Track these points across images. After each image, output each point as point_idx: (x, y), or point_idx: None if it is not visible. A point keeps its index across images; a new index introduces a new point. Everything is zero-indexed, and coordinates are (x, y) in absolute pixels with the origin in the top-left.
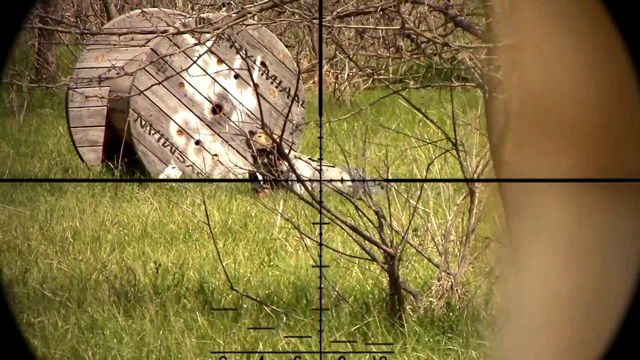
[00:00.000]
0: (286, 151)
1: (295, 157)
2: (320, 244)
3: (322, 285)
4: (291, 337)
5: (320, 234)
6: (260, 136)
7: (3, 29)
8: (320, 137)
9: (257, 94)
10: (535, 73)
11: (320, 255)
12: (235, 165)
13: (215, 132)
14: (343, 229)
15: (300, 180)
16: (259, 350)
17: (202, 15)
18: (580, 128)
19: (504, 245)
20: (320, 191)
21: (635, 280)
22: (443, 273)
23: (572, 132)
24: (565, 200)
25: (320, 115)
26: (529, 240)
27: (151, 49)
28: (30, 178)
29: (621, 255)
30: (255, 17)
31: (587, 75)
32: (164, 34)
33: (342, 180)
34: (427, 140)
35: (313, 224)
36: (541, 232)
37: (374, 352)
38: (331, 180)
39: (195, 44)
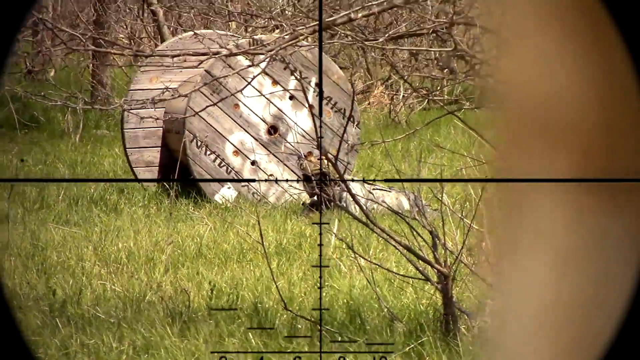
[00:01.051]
0: (341, 171)
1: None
2: (320, 244)
3: (379, 306)
4: (291, 337)
5: (320, 234)
6: (311, 159)
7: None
8: (320, 137)
9: (312, 114)
10: (531, 77)
11: (320, 255)
12: (290, 186)
13: (270, 152)
14: (397, 248)
15: (355, 199)
16: (259, 350)
17: (255, 36)
18: (578, 130)
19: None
20: (321, 191)
21: (635, 281)
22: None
23: (570, 133)
24: (564, 202)
25: (320, 115)
26: (528, 242)
27: (205, 70)
28: (86, 201)
29: (620, 257)
30: (309, 39)
31: (583, 78)
32: (217, 55)
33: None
34: (482, 160)
35: (313, 223)
36: (540, 234)
37: (374, 352)
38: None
39: (249, 66)
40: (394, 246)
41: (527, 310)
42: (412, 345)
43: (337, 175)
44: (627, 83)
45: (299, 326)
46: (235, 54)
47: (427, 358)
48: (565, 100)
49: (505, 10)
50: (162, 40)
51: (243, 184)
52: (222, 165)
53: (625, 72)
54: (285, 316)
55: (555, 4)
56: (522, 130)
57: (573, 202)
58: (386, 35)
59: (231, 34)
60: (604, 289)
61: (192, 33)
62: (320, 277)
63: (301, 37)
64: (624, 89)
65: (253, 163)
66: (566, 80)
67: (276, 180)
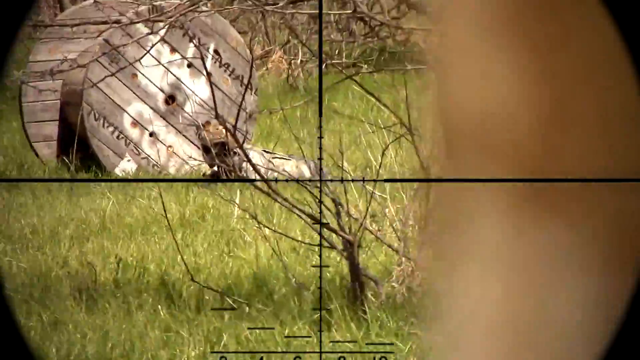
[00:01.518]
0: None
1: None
2: (320, 245)
3: (282, 275)
4: (291, 337)
5: (320, 234)
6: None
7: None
8: (320, 137)
9: (211, 83)
10: (467, 87)
11: (320, 256)
12: (190, 157)
13: (169, 123)
14: (301, 217)
15: (255, 169)
16: (259, 350)
17: (155, 3)
18: (516, 141)
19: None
20: (320, 191)
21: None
22: (403, 258)
23: (508, 145)
24: (502, 217)
25: (320, 115)
26: (464, 262)
27: (104, 39)
28: None
29: (568, 273)
30: (209, 4)
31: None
32: (117, 24)
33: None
34: (381, 126)
35: (314, 223)
36: (475, 252)
37: (374, 352)
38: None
39: (149, 34)
40: (298, 215)
41: (465, 338)
42: (319, 314)
43: (237, 145)
44: (567, 88)
45: (207, 297)
46: (135, 22)
47: (335, 326)
48: (501, 113)
49: (443, 29)
50: (62, 9)
51: (142, 156)
52: (120, 137)
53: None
54: (192, 287)
55: (490, 19)
56: (456, 147)
57: (510, 218)
58: None
59: (131, 1)
60: (552, 310)
61: (93, 1)
62: (320, 277)
63: (201, 3)
64: (562, 92)
65: (151, 134)
66: (502, 92)
67: (224, 167)
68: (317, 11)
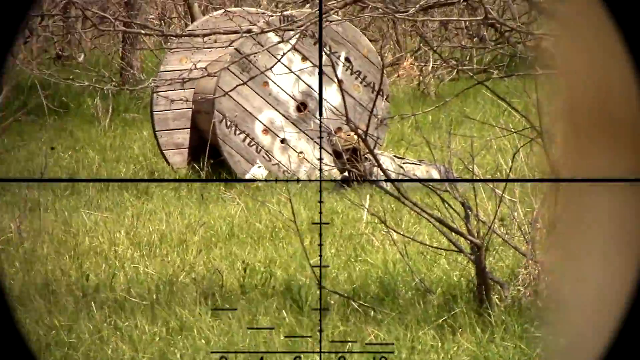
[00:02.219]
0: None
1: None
2: (320, 245)
3: (409, 278)
4: (290, 337)
5: (320, 234)
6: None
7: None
8: (320, 137)
9: (342, 90)
10: (586, 77)
11: (320, 255)
12: (321, 161)
13: (300, 129)
14: (429, 221)
15: (386, 174)
16: (260, 351)
17: (285, 12)
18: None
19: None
20: (320, 190)
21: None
22: (530, 261)
23: (629, 133)
24: (623, 201)
25: (321, 114)
26: (585, 241)
27: (235, 48)
28: (116, 186)
29: None
30: (339, 13)
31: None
32: (248, 34)
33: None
34: (512, 130)
35: (314, 223)
36: (596, 232)
37: (374, 352)
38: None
39: (279, 42)
40: (426, 219)
41: (584, 294)
42: (445, 317)
43: (368, 150)
44: None
45: (332, 302)
46: (267, 31)
47: (460, 330)
48: (620, 101)
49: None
50: (193, 20)
51: (273, 162)
52: (251, 144)
53: None
54: (318, 293)
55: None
56: (578, 133)
57: (632, 202)
58: (417, 6)
59: (262, 11)
60: None
61: (223, 11)
62: (320, 276)
63: (332, 12)
64: None
65: (283, 141)
66: (617, 81)
67: (354, 172)
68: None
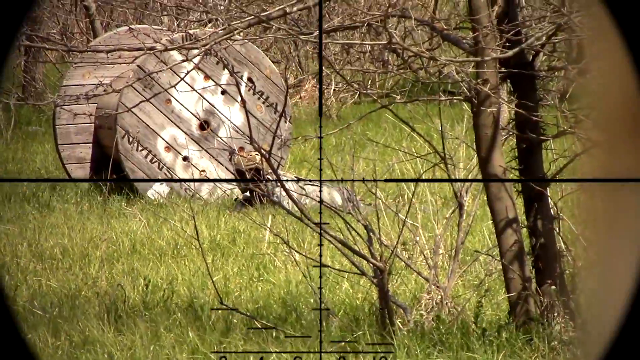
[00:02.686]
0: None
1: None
2: (320, 244)
3: (314, 300)
4: (291, 336)
5: (320, 234)
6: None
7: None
8: (320, 137)
9: (246, 110)
10: (618, 82)
11: (320, 255)
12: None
13: (203, 148)
14: (332, 243)
15: (289, 194)
16: (258, 351)
17: (189, 31)
18: None
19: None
20: (320, 191)
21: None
22: (433, 286)
23: None
24: None
25: (321, 114)
26: (615, 244)
27: (138, 65)
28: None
29: None
30: (242, 33)
31: None
32: (151, 51)
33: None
34: (416, 154)
35: (315, 223)
36: (625, 235)
37: (374, 352)
38: (332, 181)
39: (183, 61)
40: (329, 240)
41: (615, 289)
42: (348, 340)
43: (271, 170)
44: None
45: (235, 321)
46: (170, 49)
47: (362, 353)
48: None
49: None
50: (95, 36)
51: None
52: (154, 161)
53: None
54: (220, 311)
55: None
56: (614, 133)
57: None
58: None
59: (166, 28)
60: None
61: (127, 28)
62: (320, 276)
63: (236, 32)
64: None
65: (185, 159)
66: None
67: (257, 192)
68: (351, 42)
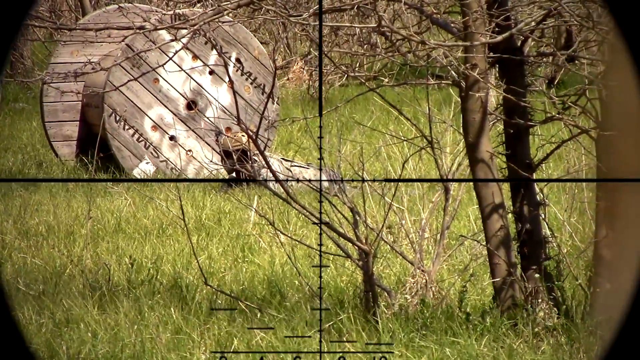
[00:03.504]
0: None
1: (268, 155)
2: (320, 244)
3: (298, 282)
4: (291, 336)
5: (320, 234)
6: (233, 135)
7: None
8: (320, 137)
9: (233, 91)
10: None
11: (320, 255)
12: (210, 161)
13: (189, 127)
14: (317, 225)
15: (276, 177)
16: (258, 351)
17: (178, 11)
18: None
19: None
20: (321, 190)
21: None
22: (417, 270)
23: None
24: None
25: (321, 115)
26: (628, 232)
27: (126, 44)
28: (4, 175)
29: None
30: (231, 14)
31: None
32: (140, 30)
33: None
34: (402, 138)
35: (313, 223)
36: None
37: (374, 352)
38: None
39: (171, 40)
40: (314, 222)
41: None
42: (332, 322)
43: (257, 151)
44: None
45: (219, 301)
46: (159, 29)
47: (347, 335)
48: None
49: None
50: (84, 14)
51: (161, 158)
52: (140, 140)
53: None
54: (205, 291)
55: None
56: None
57: None
58: (310, 10)
59: (155, 8)
60: None
61: (116, 6)
62: (320, 277)
63: (225, 12)
64: None
65: (171, 138)
66: None
67: (244, 173)
68: (339, 24)
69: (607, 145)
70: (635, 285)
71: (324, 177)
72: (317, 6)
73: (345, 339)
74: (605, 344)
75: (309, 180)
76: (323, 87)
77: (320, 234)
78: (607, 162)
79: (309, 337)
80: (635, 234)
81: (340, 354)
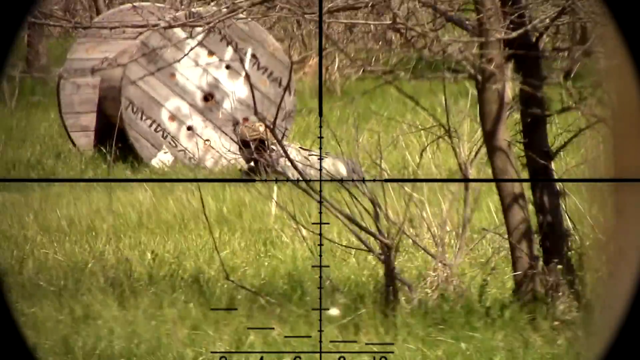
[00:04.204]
0: (279, 137)
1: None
2: (320, 244)
3: (316, 275)
4: (291, 337)
5: (320, 234)
6: (250, 125)
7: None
8: (320, 137)
9: (250, 83)
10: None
11: (320, 255)
12: (228, 150)
13: (207, 118)
14: (340, 219)
15: (293, 164)
16: (258, 351)
17: (192, 9)
18: None
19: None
20: (320, 190)
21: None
22: (439, 264)
23: None
24: None
25: (321, 115)
26: (627, 232)
27: (142, 41)
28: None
29: None
30: (245, 12)
31: None
32: (155, 28)
33: (341, 180)
34: (420, 127)
35: (313, 223)
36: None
37: (374, 352)
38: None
39: (186, 38)
40: (336, 216)
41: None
42: (351, 317)
43: (275, 140)
44: None
45: (239, 297)
46: (174, 26)
47: (364, 330)
48: None
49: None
50: (98, 12)
51: (179, 148)
52: (158, 130)
53: None
54: (226, 286)
55: None
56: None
57: None
58: (325, 8)
59: (169, 6)
60: None
61: (131, 5)
62: (320, 277)
63: (240, 10)
64: None
65: (189, 128)
66: None
67: (263, 162)
68: (355, 21)
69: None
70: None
71: (342, 167)
72: (331, 4)
73: (362, 334)
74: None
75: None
76: (338, 81)
77: (320, 233)
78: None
79: (307, 337)
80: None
81: (340, 355)
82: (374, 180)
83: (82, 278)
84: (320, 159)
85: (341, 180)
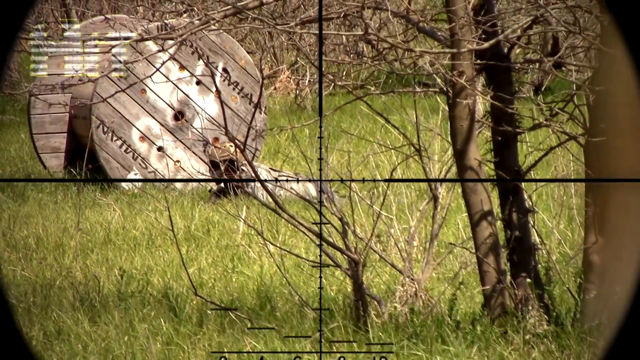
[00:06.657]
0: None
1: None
2: (320, 245)
3: (288, 292)
4: (291, 336)
5: (320, 234)
6: (220, 145)
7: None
8: (321, 137)
9: (221, 101)
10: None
11: (320, 255)
12: (198, 172)
13: (177, 138)
14: (306, 235)
15: (263, 186)
16: (258, 351)
17: (165, 21)
18: None
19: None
20: (320, 190)
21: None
22: (407, 279)
23: None
24: None
25: (321, 115)
26: (620, 231)
27: (113, 55)
28: None
29: None
30: (218, 23)
31: None
32: (127, 41)
33: (341, 180)
34: (390, 146)
35: (313, 223)
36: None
37: (374, 352)
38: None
39: (159, 51)
40: (303, 232)
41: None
42: (322, 332)
43: (245, 161)
44: None
45: (209, 312)
46: (146, 39)
47: (338, 344)
48: None
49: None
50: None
51: (149, 169)
52: (128, 151)
53: None
54: (195, 302)
55: None
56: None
57: None
58: (297, 19)
59: (142, 18)
60: None
61: (103, 18)
62: (320, 277)
63: (212, 22)
64: None
65: (159, 149)
66: None
67: (232, 183)
68: (327, 32)
69: (596, 150)
70: (631, 290)
71: (311, 187)
72: (305, 14)
73: (334, 349)
74: (600, 350)
75: (309, 180)
76: (309, 97)
77: (320, 233)
78: (595, 168)
79: (307, 337)
80: (624, 239)
81: (340, 355)
82: (374, 180)
83: (51, 294)
84: (320, 159)
85: (342, 180)
